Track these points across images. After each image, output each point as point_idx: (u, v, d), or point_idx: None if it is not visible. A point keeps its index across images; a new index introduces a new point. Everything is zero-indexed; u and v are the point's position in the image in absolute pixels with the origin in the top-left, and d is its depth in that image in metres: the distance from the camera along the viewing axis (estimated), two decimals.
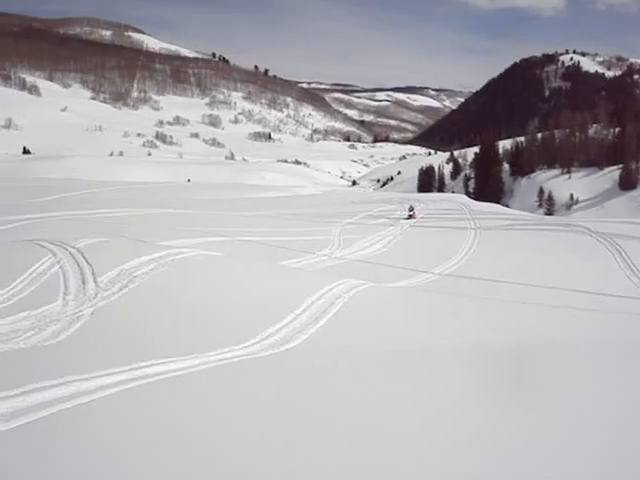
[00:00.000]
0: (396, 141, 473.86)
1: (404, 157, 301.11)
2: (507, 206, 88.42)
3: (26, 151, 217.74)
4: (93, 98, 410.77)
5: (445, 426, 7.77)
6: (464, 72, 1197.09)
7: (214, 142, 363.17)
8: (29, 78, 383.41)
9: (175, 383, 8.83)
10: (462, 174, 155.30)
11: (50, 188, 55.97)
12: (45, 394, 7.45)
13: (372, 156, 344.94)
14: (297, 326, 13.73)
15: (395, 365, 10.85)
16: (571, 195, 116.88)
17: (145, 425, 7.10)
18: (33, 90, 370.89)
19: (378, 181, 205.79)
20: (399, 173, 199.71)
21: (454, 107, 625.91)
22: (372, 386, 9.40)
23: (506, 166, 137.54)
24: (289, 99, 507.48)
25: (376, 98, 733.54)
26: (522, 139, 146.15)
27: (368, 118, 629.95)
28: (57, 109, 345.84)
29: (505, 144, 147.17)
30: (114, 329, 12.90)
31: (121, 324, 13.24)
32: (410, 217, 46.47)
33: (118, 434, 6.73)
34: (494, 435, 7.44)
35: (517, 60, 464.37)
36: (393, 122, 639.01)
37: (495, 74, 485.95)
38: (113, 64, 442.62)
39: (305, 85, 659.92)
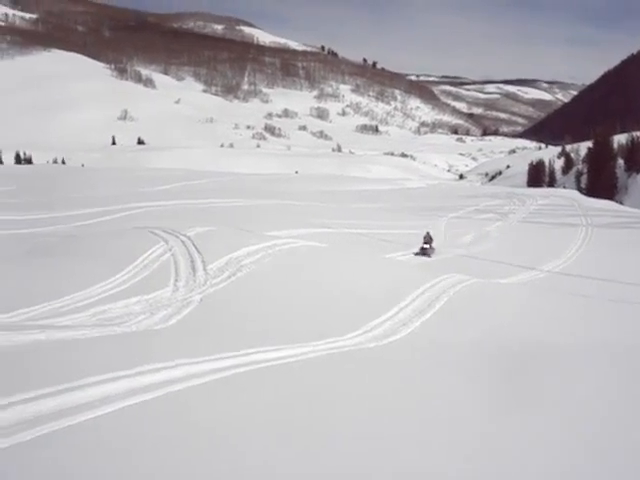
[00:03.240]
0: (505, 134, 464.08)
1: (513, 151, 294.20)
2: (621, 203, 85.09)
3: (140, 142, 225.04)
4: (205, 91, 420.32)
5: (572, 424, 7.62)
6: (577, 64, 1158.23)
7: (321, 134, 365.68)
8: (144, 71, 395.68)
9: (283, 370, 8.99)
10: (574, 169, 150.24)
11: (163, 178, 57.73)
12: (157, 376, 7.71)
13: (480, 149, 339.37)
14: (401, 319, 13.70)
15: (502, 361, 10.62)
16: None
17: (253, 410, 7.26)
18: (148, 83, 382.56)
19: (486, 175, 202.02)
20: (508, 167, 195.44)
21: (566, 100, 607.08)
22: (475, 382, 9.28)
23: (620, 162, 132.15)
24: (397, 92, 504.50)
25: (485, 90, 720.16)
26: (638, 134, 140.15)
27: (477, 111, 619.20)
28: (171, 101, 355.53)
29: (620, 139, 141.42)
30: (222, 315, 13.20)
31: (229, 311, 13.55)
32: (424, 252, 29.11)
33: (229, 417, 6.91)
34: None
35: (634, 52, 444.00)
36: (503, 115, 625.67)
37: (609, 66, 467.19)
38: (225, 57, 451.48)
39: (413, 77, 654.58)
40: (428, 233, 29.72)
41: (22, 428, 5.67)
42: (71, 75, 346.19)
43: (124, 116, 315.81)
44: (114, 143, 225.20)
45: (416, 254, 28.62)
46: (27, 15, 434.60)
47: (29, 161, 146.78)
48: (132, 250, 18.03)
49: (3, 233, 25.05)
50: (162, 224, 21.77)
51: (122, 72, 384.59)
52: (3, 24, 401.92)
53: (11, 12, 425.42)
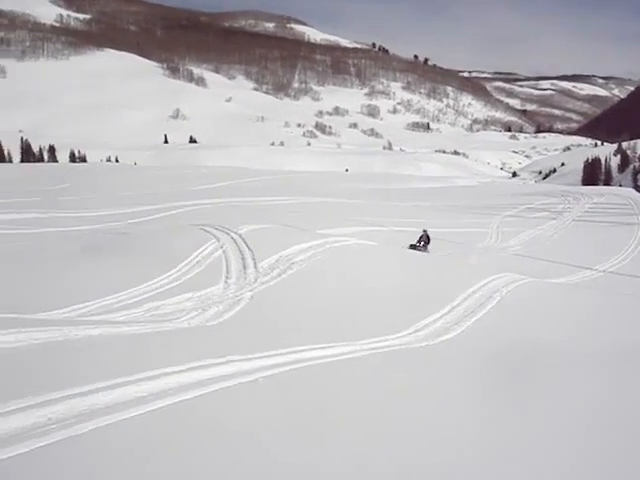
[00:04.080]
0: (560, 131, 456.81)
1: (568, 148, 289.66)
2: None
3: (192, 140, 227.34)
4: (256, 89, 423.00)
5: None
6: (634, 59, 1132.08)
7: (372, 132, 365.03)
8: (196, 70, 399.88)
9: (332, 368, 8.99)
10: (631, 167, 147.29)
11: (214, 176, 58.27)
12: (209, 372, 7.78)
13: (534, 147, 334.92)
14: (453, 318, 13.56)
15: (557, 364, 10.42)
16: None
17: (302, 407, 7.28)
18: (200, 82, 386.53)
19: (540, 173, 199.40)
20: (562, 165, 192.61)
21: (623, 96, 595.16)
22: (530, 385, 9.13)
23: None
24: (449, 88, 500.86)
25: (539, 87, 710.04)
26: None
27: (530, 107, 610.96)
28: (222, 100, 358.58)
29: None
30: (272, 313, 13.25)
31: (279, 308, 13.59)
32: (415, 247, 26.96)
33: (278, 414, 6.94)
34: None
35: None
36: (557, 112, 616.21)
37: None
38: (276, 56, 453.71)
39: (466, 74, 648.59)
40: (425, 232, 28.19)
41: (78, 421, 5.76)
42: (124, 74, 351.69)
43: (176, 115, 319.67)
44: (166, 141, 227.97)
45: (412, 247, 26.61)
46: (81, 16, 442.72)
47: (83, 159, 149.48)
48: (184, 247, 18.22)
49: (58, 230, 25.56)
50: (214, 222, 21.95)
51: (174, 71, 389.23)
52: (58, 25, 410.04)
53: (65, 13, 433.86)
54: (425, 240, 27.69)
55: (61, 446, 5.30)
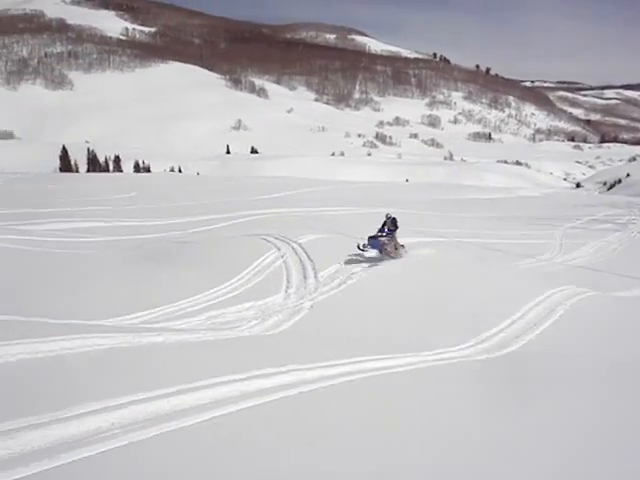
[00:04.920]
0: (625, 141, 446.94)
1: (634, 159, 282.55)
2: None
3: (254, 150, 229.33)
4: (317, 100, 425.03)
5: None
6: None
7: (433, 142, 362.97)
8: (258, 81, 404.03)
9: (391, 380, 8.93)
10: None
11: (275, 186, 58.69)
12: (270, 380, 7.84)
13: (598, 157, 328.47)
14: (514, 332, 13.31)
15: (621, 381, 10.16)
16: None
17: (362, 418, 7.25)
18: (261, 93, 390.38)
19: (604, 184, 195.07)
20: (628, 175, 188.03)
21: None
22: (595, 401, 8.92)
23: None
24: (511, 98, 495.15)
25: (604, 96, 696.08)
26: None
27: (595, 117, 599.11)
28: (283, 110, 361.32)
29: None
30: (332, 323, 13.26)
31: (339, 318, 13.59)
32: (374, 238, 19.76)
33: (338, 424, 6.93)
34: None
35: None
36: (622, 121, 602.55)
37: None
38: (336, 66, 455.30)
39: (528, 84, 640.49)
40: (389, 217, 20.52)
41: (141, 427, 5.86)
42: (187, 86, 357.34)
43: (238, 126, 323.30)
44: (228, 152, 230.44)
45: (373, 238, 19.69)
46: (146, 29, 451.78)
47: (147, 169, 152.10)
48: (245, 256, 18.42)
49: (121, 239, 26.03)
50: (274, 231, 22.12)
51: (236, 83, 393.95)
52: (124, 38, 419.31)
53: (131, 26, 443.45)
54: (390, 226, 19.99)
55: (124, 451, 5.40)
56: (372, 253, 19.23)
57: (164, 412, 6.28)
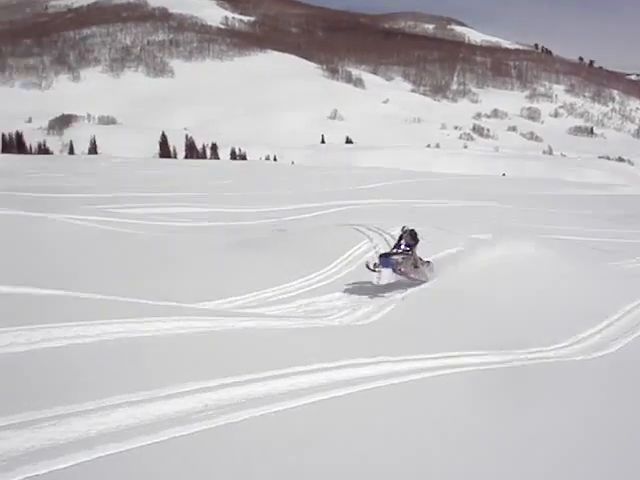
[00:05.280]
0: None
1: None
2: None
3: (348, 141, 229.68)
4: (413, 90, 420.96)
5: None
6: None
7: (532, 136, 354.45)
8: (355, 71, 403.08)
9: (484, 376, 8.79)
10: None
11: (369, 177, 58.66)
12: (360, 370, 7.86)
13: None
14: (612, 334, 12.85)
15: None
16: None
17: (453, 414, 7.20)
18: (358, 83, 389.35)
19: None
20: None
21: None
22: None
23: None
24: (615, 92, 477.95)
25: None
26: None
27: None
28: (379, 101, 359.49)
29: None
30: (423, 316, 13.15)
31: (430, 311, 13.47)
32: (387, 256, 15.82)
33: (428, 418, 6.91)
34: None
35: None
36: None
37: None
38: (434, 57, 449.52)
39: (634, 77, 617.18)
40: (407, 230, 16.62)
41: (233, 409, 5.97)
42: (285, 75, 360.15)
43: (334, 115, 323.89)
44: (323, 142, 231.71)
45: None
46: (245, 18, 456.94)
47: (243, 157, 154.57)
48: (338, 246, 18.49)
49: (218, 225, 26.56)
50: (367, 222, 22.11)
51: (333, 72, 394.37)
52: (223, 27, 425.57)
53: (231, 15, 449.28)
54: (409, 241, 16.40)
55: (216, 432, 5.51)
56: (384, 276, 15.35)
57: (257, 396, 6.38)
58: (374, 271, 15.44)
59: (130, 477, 4.63)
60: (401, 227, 16.98)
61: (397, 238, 16.61)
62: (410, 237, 16.36)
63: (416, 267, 15.99)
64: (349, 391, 7.02)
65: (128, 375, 6.47)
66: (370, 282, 15.24)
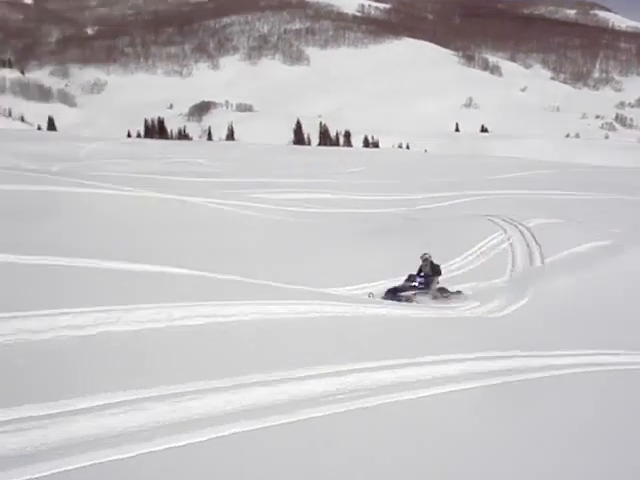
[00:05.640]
0: None
1: None
2: None
3: (483, 129, 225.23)
4: (553, 78, 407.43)
5: None
6: None
7: None
8: (491, 58, 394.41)
9: (622, 377, 8.48)
10: None
11: (504, 166, 57.23)
12: (492, 364, 7.75)
13: None
14: None
15: None
16: None
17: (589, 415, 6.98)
18: (494, 70, 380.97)
19: None
20: None
21: None
22: None
23: None
24: None
25: None
26: None
27: None
28: (516, 89, 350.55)
29: None
30: (559, 311, 12.72)
31: (565, 307, 13.02)
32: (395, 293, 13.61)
33: (564, 417, 6.72)
34: None
35: None
36: None
37: None
38: (576, 44, 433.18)
39: None
40: (427, 258, 14.70)
41: (363, 395, 6.02)
42: (420, 63, 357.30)
43: (469, 103, 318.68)
44: (457, 130, 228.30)
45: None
46: (381, 5, 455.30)
47: (376, 145, 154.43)
48: (471, 237, 18.25)
49: (348, 212, 26.72)
50: (502, 213, 21.68)
51: (469, 59, 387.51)
52: (359, 15, 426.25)
53: (367, 3, 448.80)
54: (427, 271, 14.57)
55: (348, 416, 5.57)
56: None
57: (388, 383, 6.42)
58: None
59: (262, 453, 4.73)
60: (421, 255, 14.78)
61: (417, 269, 14.57)
62: (430, 268, 14.60)
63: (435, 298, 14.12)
64: (480, 384, 6.93)
65: (264, 355, 6.65)
66: (501, 276, 14.99)
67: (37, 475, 3.81)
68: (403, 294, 13.57)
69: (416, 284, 14.03)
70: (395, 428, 5.59)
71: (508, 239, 18.15)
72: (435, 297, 14.00)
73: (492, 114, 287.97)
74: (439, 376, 6.87)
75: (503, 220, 20.15)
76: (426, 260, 14.58)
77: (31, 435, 4.22)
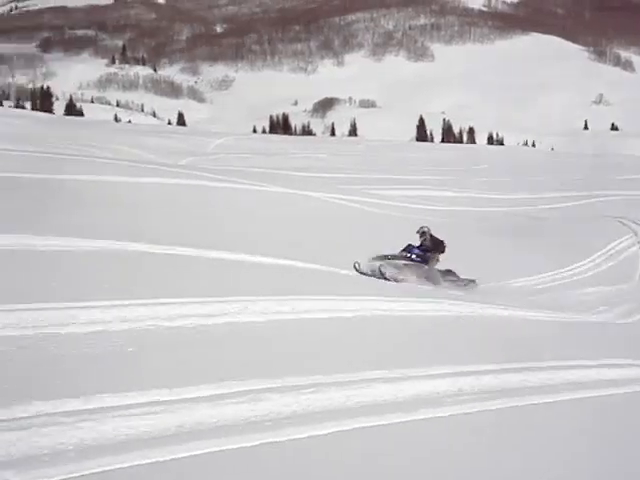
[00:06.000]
0: None
1: None
2: None
3: (614, 127, 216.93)
4: None
5: None
6: None
7: None
8: (624, 54, 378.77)
9: None
10: None
11: (636, 166, 54.94)
12: (618, 372, 7.46)
13: None
14: None
15: None
16: None
17: None
18: (627, 66, 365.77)
19: None
20: None
21: None
22: None
23: None
24: None
25: None
26: None
27: None
28: None
29: None
30: None
31: None
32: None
33: None
34: None
35: None
36: None
37: None
38: None
39: None
40: (425, 231, 13.37)
41: (486, 397, 5.91)
42: (547, 58, 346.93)
43: (599, 100, 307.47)
44: (586, 127, 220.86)
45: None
46: (509, 0, 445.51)
47: (500, 142, 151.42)
48: (597, 239, 17.71)
49: (471, 210, 26.43)
50: (632, 215, 20.89)
51: (600, 55, 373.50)
52: (486, 9, 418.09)
53: None
54: (429, 246, 13.15)
55: (469, 419, 5.45)
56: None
57: (512, 387, 6.28)
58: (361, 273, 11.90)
59: (378, 451, 4.71)
60: (418, 229, 13.41)
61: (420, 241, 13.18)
62: (431, 242, 13.12)
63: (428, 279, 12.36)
64: (606, 392, 6.68)
65: (385, 351, 6.67)
66: (629, 281, 14.46)
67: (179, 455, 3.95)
68: (388, 273, 11.88)
69: (413, 256, 12.60)
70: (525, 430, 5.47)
71: (639, 242, 17.49)
72: (434, 280, 12.38)
73: (623, 111, 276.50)
74: (557, 383, 6.60)
75: (634, 222, 19.43)
76: (424, 234, 13.21)
77: (165, 418, 4.40)
